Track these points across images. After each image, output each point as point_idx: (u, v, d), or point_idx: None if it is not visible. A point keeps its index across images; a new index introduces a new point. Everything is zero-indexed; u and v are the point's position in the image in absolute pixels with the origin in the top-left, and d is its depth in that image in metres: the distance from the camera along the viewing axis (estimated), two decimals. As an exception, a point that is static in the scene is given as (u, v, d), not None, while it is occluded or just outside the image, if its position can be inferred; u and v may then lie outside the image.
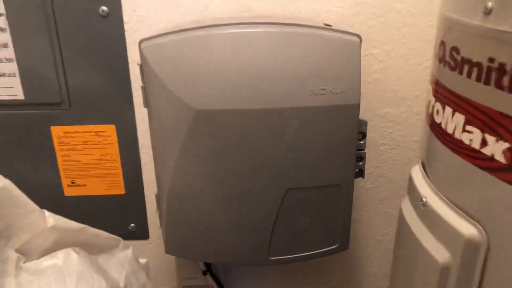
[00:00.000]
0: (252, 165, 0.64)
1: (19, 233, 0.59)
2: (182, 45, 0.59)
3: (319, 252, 0.72)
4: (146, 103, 0.64)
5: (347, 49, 0.60)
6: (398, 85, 0.78)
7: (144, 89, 0.64)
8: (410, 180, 0.47)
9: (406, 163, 0.83)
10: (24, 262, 0.59)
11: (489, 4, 0.32)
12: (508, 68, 0.31)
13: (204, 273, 0.85)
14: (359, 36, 0.61)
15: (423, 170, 0.46)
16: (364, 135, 0.67)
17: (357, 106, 0.62)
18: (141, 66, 0.63)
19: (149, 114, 0.65)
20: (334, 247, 0.72)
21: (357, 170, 0.69)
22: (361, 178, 0.71)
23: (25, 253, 0.60)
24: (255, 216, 0.67)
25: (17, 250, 0.59)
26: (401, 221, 0.47)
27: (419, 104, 0.78)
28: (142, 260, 0.89)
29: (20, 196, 0.58)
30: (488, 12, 0.32)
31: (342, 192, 0.68)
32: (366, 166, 0.83)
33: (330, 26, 0.64)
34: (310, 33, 0.60)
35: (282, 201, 0.66)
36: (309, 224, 0.69)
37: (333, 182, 0.67)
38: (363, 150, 0.68)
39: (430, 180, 0.44)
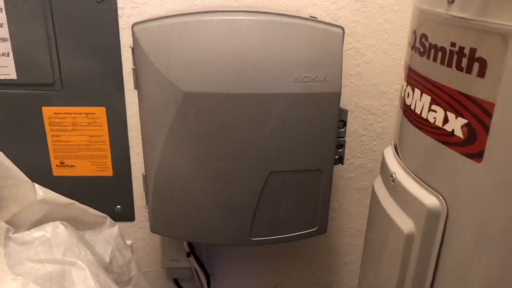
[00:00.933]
0: (236, 148, 0.67)
1: (9, 205, 0.61)
2: (173, 29, 0.62)
3: (299, 234, 0.75)
4: (137, 85, 0.67)
5: (330, 39, 0.64)
6: (379, 79, 0.81)
7: (135, 71, 0.66)
8: (383, 159, 0.50)
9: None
10: (14, 233, 0.61)
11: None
12: (466, 51, 0.35)
13: (188, 255, 0.87)
14: (342, 28, 0.65)
15: (394, 151, 0.49)
16: (344, 123, 0.71)
17: (338, 94, 0.66)
18: (133, 49, 0.65)
19: (139, 96, 0.67)
20: (313, 229, 0.75)
21: (337, 156, 0.73)
22: (341, 165, 0.74)
23: (15, 225, 0.62)
24: (238, 198, 0.70)
25: (7, 221, 0.61)
26: (373, 197, 0.50)
27: (398, 98, 0.82)
28: (127, 242, 0.91)
29: (12, 168, 0.60)
30: (451, 1, 0.36)
31: (322, 177, 0.71)
32: (347, 156, 0.87)
33: (316, 18, 0.68)
34: (295, 23, 0.63)
35: (264, 184, 0.69)
36: (290, 207, 0.73)
37: (314, 167, 0.70)
38: (343, 137, 0.71)
39: (400, 158, 0.47)
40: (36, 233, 0.62)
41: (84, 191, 0.87)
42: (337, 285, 1.00)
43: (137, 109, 0.74)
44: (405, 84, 0.47)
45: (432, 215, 0.40)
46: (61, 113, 0.82)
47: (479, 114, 0.35)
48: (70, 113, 0.82)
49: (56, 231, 0.62)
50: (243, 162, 0.68)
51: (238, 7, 0.71)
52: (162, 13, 0.73)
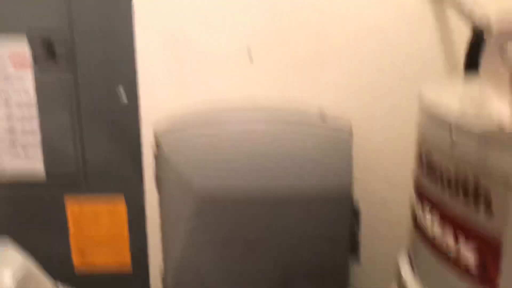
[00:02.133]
0: (253, 251, 0.69)
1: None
2: (196, 139, 0.66)
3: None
4: (159, 190, 0.70)
5: (339, 145, 0.68)
6: (391, 169, 0.83)
7: (157, 177, 0.70)
8: (398, 269, 0.52)
9: (398, 241, 0.87)
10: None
11: (453, 137, 0.39)
12: (470, 188, 0.38)
13: None
14: (350, 133, 0.68)
15: (409, 262, 0.51)
16: (358, 222, 0.73)
17: (350, 198, 0.69)
18: (156, 156, 0.69)
19: (160, 199, 0.70)
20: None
21: (352, 256, 0.73)
22: (356, 263, 0.75)
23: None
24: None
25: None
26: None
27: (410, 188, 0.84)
28: None
29: (38, 275, 0.62)
30: (453, 144, 0.39)
31: (338, 279, 0.72)
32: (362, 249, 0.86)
33: (324, 113, 0.72)
34: (305, 131, 0.67)
35: (278, 283, 0.71)
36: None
37: (330, 270, 0.71)
38: (357, 236, 0.73)
39: (413, 270, 0.49)
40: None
41: (105, 284, 0.88)
42: None
43: (154, 197, 0.76)
44: (415, 197, 0.50)
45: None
46: (82, 201, 0.84)
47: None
48: (92, 204, 0.84)
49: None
50: (260, 266, 0.69)
51: (253, 115, 0.75)
52: (182, 110, 0.77)
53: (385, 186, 0.84)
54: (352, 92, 0.79)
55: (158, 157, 0.68)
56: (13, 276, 0.59)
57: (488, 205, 0.37)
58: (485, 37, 0.59)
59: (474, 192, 0.38)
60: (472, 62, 0.63)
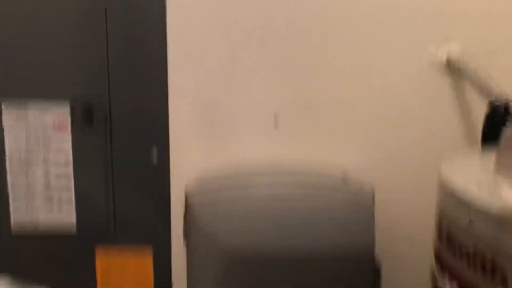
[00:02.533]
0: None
1: None
2: (224, 202, 0.71)
3: None
4: (187, 248, 0.74)
5: (361, 207, 0.71)
6: (411, 229, 0.85)
7: (186, 235, 0.73)
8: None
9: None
10: None
11: (471, 217, 0.42)
12: (487, 265, 0.40)
13: None
14: (372, 196, 0.71)
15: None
16: (379, 280, 0.74)
17: (372, 257, 0.71)
18: (185, 216, 0.73)
19: (187, 257, 0.74)
20: None
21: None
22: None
23: None
24: None
25: None
26: None
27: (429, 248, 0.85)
28: None
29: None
30: (470, 222, 0.42)
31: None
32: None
33: (347, 176, 0.75)
34: (328, 195, 0.71)
35: None
36: None
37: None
38: (379, 292, 0.75)
39: None
40: None
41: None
42: None
43: (180, 249, 0.80)
44: (434, 264, 0.52)
45: None
46: (112, 254, 0.87)
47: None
48: (120, 256, 0.87)
49: None
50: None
51: (278, 179, 0.79)
52: (209, 168, 0.82)
53: (406, 245, 0.86)
54: (374, 157, 0.83)
55: (188, 217, 0.72)
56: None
57: (504, 281, 0.39)
58: (503, 111, 0.63)
59: (492, 267, 0.41)
60: (488, 136, 0.66)
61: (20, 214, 0.86)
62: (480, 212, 0.41)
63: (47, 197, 0.86)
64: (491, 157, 0.49)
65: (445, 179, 0.49)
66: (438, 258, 0.51)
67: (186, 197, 0.72)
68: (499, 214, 0.39)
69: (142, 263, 0.88)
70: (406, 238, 0.86)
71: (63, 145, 0.84)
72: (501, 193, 0.39)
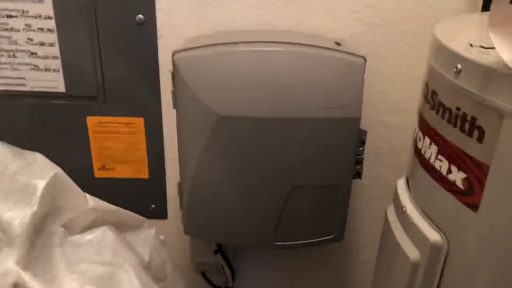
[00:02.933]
0: (264, 165, 0.74)
1: (65, 212, 0.70)
2: (210, 58, 0.68)
3: (317, 240, 0.82)
4: (175, 105, 0.74)
5: (352, 70, 0.69)
6: (398, 97, 0.86)
7: (174, 93, 0.74)
8: (395, 190, 0.57)
9: (401, 166, 0.92)
10: (68, 236, 0.70)
11: (459, 66, 0.41)
12: (468, 117, 0.41)
13: (215, 252, 0.96)
14: (364, 59, 0.70)
15: (406, 183, 0.56)
16: (363, 143, 0.77)
17: (358, 119, 0.72)
18: (172, 74, 0.72)
19: (177, 115, 0.75)
20: (331, 237, 0.82)
21: (355, 172, 0.79)
22: (359, 179, 0.81)
23: (69, 228, 0.71)
24: (264, 208, 0.78)
25: (63, 226, 0.70)
26: (386, 223, 0.57)
27: (416, 115, 0.88)
28: (161, 237, 1.00)
29: (68, 182, 0.69)
30: (458, 72, 0.41)
31: (340, 191, 0.78)
32: (366, 167, 0.92)
33: (340, 44, 0.74)
34: (320, 54, 0.69)
35: (287, 196, 0.77)
36: (310, 217, 0.80)
37: (333, 182, 0.77)
38: (362, 155, 0.78)
39: (410, 192, 0.54)
40: (87, 236, 0.71)
41: (122, 191, 0.96)
42: (351, 281, 1.07)
43: (172, 120, 0.81)
44: (417, 128, 0.53)
45: (434, 249, 0.46)
46: (104, 122, 0.90)
47: (476, 172, 0.41)
48: (112, 123, 0.90)
49: (105, 235, 0.71)
50: (270, 177, 0.75)
51: (269, 33, 0.77)
52: (198, 34, 0.80)
53: (392, 116, 0.88)
54: (368, 25, 0.80)
55: (174, 75, 0.71)
56: (46, 183, 0.65)
57: (481, 135, 0.40)
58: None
59: (471, 122, 0.41)
60: (488, 3, 0.62)
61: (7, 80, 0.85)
62: (469, 63, 0.40)
63: (34, 64, 0.84)
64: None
65: (437, 35, 0.47)
66: (421, 121, 0.52)
67: (173, 58, 0.70)
68: (488, 65, 0.38)
69: (134, 133, 0.90)
70: (393, 108, 0.87)
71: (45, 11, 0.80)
72: (493, 46, 0.38)
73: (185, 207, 0.80)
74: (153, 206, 0.98)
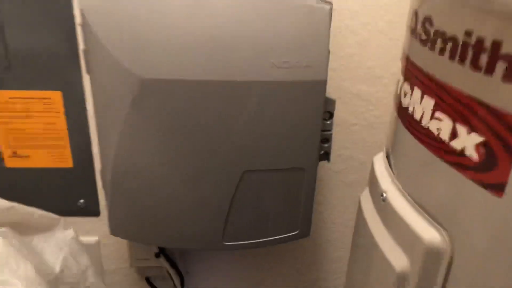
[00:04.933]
0: (205, 143, 0.57)
1: None
2: (129, 5, 0.51)
3: (278, 238, 0.67)
4: (88, 69, 0.57)
5: (315, 17, 0.53)
6: (374, 61, 0.72)
7: (85, 52, 0.56)
8: (372, 169, 0.41)
9: (379, 145, 0.78)
10: None
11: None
12: (487, 44, 0.25)
13: (157, 255, 0.79)
14: (330, 4, 0.54)
15: (386, 160, 0.40)
16: (331, 115, 0.62)
17: (324, 82, 0.56)
18: (82, 26, 0.55)
19: (91, 81, 0.57)
20: (294, 233, 0.67)
21: (322, 152, 0.64)
22: (326, 161, 0.65)
23: None
24: (209, 199, 0.62)
25: None
26: (359, 215, 0.41)
27: (396, 84, 0.73)
28: (93, 238, 0.83)
29: None
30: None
31: (304, 176, 0.62)
32: (335, 147, 0.78)
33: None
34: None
35: (238, 183, 0.61)
36: (268, 209, 0.64)
37: (295, 165, 0.61)
38: (330, 131, 0.62)
39: (393, 172, 0.38)
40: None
41: (43, 184, 0.78)
42: (323, 282, 0.93)
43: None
44: (402, 78, 0.37)
45: (431, 253, 0.31)
46: (12, 98, 0.72)
47: (502, 132, 0.25)
48: (22, 98, 0.72)
49: (-8, 241, 0.54)
50: (214, 159, 0.59)
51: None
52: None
53: (366, 85, 0.73)
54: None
55: (83, 28, 0.54)
56: None
57: (510, 69, 0.25)
58: None
59: (492, 52, 0.25)
60: None
61: None
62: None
63: None
64: None
65: None
66: (408, 65, 0.36)
67: (80, 6, 0.53)
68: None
69: (51, 110, 0.73)
70: (369, 75, 0.73)
71: None
72: None
73: (109, 200, 0.63)
74: (81, 201, 0.81)
